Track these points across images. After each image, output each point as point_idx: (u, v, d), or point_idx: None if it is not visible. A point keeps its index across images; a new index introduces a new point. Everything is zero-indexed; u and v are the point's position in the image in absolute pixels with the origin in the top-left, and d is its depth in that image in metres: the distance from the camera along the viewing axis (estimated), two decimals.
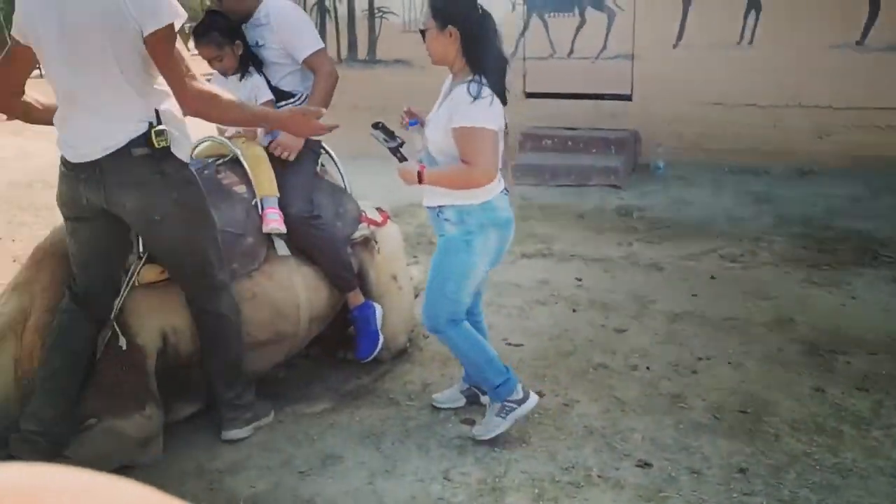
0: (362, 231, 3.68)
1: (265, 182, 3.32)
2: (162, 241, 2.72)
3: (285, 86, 3.57)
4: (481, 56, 2.82)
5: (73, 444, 2.69)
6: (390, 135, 3.01)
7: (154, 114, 2.59)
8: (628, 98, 7.79)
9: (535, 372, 3.64)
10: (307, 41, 3.54)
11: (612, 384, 3.53)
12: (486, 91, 2.78)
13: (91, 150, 2.54)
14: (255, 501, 2.71)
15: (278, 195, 3.33)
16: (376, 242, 3.73)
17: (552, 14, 7.86)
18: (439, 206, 2.91)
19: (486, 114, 2.76)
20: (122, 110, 2.55)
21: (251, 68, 3.50)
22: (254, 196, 3.31)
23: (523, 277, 4.92)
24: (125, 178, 2.57)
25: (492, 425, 3.05)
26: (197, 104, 2.59)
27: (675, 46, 7.44)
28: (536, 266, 5.14)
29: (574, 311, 4.39)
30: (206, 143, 3.57)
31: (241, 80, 3.47)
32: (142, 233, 2.70)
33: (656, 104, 7.58)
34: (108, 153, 2.52)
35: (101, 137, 2.53)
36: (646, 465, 2.92)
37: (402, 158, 2.94)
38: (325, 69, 3.54)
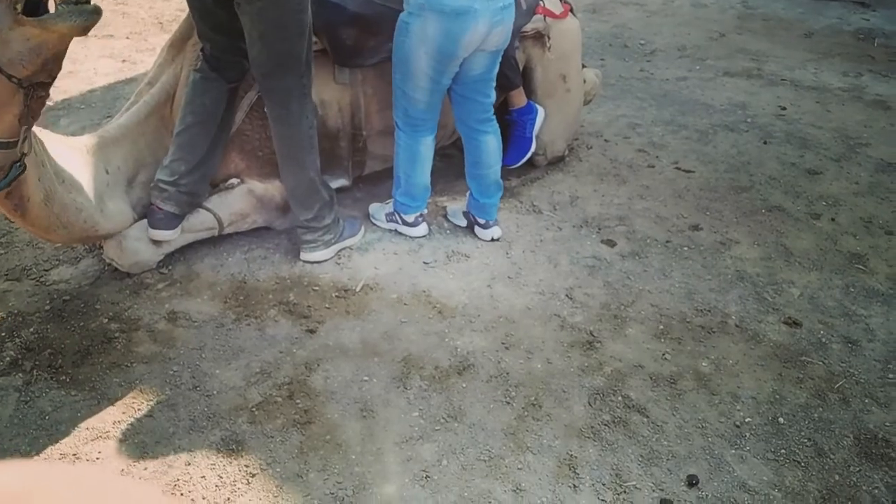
0: (536, 23, 3.35)
1: None
2: (253, 19, 2.38)
3: None
4: None
5: (214, 199, 2.82)
6: None
7: None
8: None
9: (698, 203, 3.30)
10: None
11: (783, 230, 3.13)
12: None
13: None
14: (377, 282, 2.76)
15: None
16: (549, 38, 3.40)
17: None
18: None
19: None
20: None
21: None
22: None
23: (717, 97, 4.37)
24: None
25: (378, 215, 3.09)
26: None
27: None
28: (737, 86, 4.53)
29: (765, 142, 3.87)
30: None
31: None
32: (237, 7, 2.37)
33: None
34: None
35: None
36: (795, 324, 2.61)
37: None
38: None
